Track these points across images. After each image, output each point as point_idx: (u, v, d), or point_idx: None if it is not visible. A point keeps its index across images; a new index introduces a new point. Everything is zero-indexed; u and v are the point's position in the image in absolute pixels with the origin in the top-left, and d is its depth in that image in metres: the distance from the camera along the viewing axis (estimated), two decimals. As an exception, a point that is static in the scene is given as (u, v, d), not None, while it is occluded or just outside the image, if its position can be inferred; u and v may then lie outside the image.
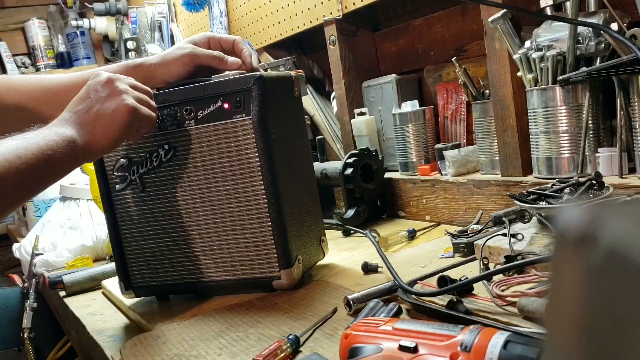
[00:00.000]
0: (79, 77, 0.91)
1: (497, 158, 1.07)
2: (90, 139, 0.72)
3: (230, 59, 0.91)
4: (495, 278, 0.71)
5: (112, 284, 1.02)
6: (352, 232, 1.20)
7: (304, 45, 1.73)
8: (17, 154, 0.63)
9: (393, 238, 1.05)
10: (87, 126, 0.72)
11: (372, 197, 1.28)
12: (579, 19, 0.87)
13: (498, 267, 0.73)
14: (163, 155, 0.87)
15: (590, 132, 0.91)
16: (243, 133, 0.83)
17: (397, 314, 0.69)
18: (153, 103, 0.81)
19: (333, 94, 1.50)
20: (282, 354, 0.63)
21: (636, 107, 0.84)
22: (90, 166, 1.35)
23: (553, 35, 0.93)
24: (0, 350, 1.45)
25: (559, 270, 0.20)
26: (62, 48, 2.77)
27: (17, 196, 0.66)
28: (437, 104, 1.31)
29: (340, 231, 1.22)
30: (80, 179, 1.54)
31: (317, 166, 1.26)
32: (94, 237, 1.37)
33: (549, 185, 0.87)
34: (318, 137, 1.42)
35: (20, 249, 1.42)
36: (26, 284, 1.34)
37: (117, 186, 0.91)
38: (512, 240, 0.79)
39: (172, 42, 2.31)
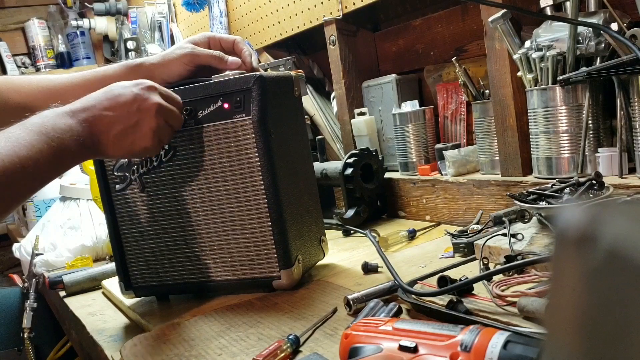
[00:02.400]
0: (80, 77, 0.91)
1: (497, 158, 1.07)
2: (100, 146, 0.73)
3: (231, 58, 0.91)
4: (495, 278, 0.71)
5: (112, 284, 1.02)
6: (352, 232, 1.20)
7: (304, 45, 1.73)
8: (32, 157, 0.63)
9: (393, 238, 1.05)
10: (103, 137, 0.72)
11: (372, 197, 1.28)
12: (579, 19, 0.87)
13: (498, 267, 0.73)
14: (163, 155, 0.88)
15: (590, 132, 0.92)
16: (243, 133, 0.83)
17: (397, 314, 0.69)
18: (171, 137, 0.81)
19: (333, 94, 1.50)
20: (282, 354, 0.63)
21: (636, 107, 0.84)
22: (90, 166, 1.35)
23: (553, 35, 0.93)
24: (0, 350, 1.45)
25: (559, 270, 0.20)
26: (62, 48, 2.77)
27: (23, 193, 0.67)
28: (437, 104, 1.31)
29: (340, 231, 1.22)
30: (80, 179, 1.54)
31: (317, 166, 1.26)
32: (94, 237, 1.37)
33: (549, 185, 0.87)
34: (318, 137, 1.42)
35: (20, 249, 1.42)
36: (26, 284, 1.34)
37: (117, 186, 0.91)
38: (512, 240, 0.79)
39: (172, 42, 2.31)
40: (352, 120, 1.42)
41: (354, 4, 1.31)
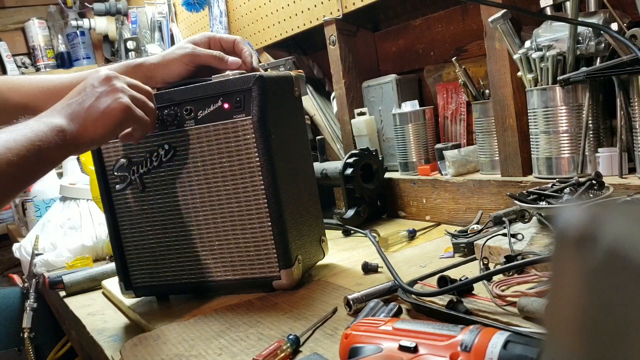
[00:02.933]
0: (80, 77, 0.91)
1: (497, 158, 1.07)
2: (79, 130, 0.72)
3: (231, 58, 0.91)
4: (495, 278, 0.71)
5: (112, 284, 1.02)
6: (352, 232, 1.20)
7: (304, 45, 1.73)
8: (6, 146, 0.64)
9: (393, 238, 1.05)
10: (78, 117, 0.72)
11: (372, 197, 1.28)
12: (579, 19, 0.87)
13: (498, 267, 0.73)
14: (163, 155, 0.87)
15: (590, 132, 0.91)
16: (243, 133, 0.83)
17: (397, 314, 0.69)
18: (151, 105, 0.79)
19: (333, 94, 1.50)
20: (282, 354, 0.63)
21: (636, 107, 0.84)
22: (90, 166, 1.35)
23: (553, 35, 0.93)
24: (0, 350, 1.45)
25: (559, 270, 0.20)
26: (62, 48, 2.77)
27: (9, 187, 0.67)
28: (437, 104, 1.31)
29: (340, 231, 1.22)
30: (80, 179, 1.54)
31: (317, 166, 1.26)
32: (94, 237, 1.37)
33: (549, 185, 0.87)
34: (318, 137, 1.42)
35: (20, 249, 1.42)
36: (26, 284, 1.34)
37: (117, 186, 0.91)
38: (512, 240, 0.79)
39: (172, 42, 2.31)
40: (352, 120, 1.42)
41: (354, 4, 1.31)
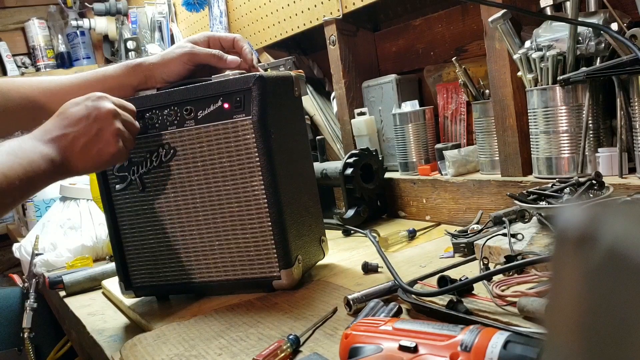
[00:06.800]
0: (80, 78, 0.91)
1: (497, 158, 1.07)
2: (69, 164, 0.74)
3: (230, 57, 0.91)
4: (495, 278, 0.71)
5: (112, 284, 1.02)
6: (352, 232, 1.20)
7: (304, 45, 1.73)
8: (2, 173, 0.65)
9: (393, 238, 1.05)
10: (72, 152, 0.74)
11: (372, 197, 1.28)
12: (579, 19, 0.87)
13: (498, 267, 0.73)
14: (163, 155, 0.88)
15: (590, 132, 0.91)
16: (243, 133, 0.83)
17: (397, 314, 0.69)
18: (133, 142, 0.81)
19: (333, 94, 1.50)
20: (282, 354, 0.63)
21: (636, 107, 0.84)
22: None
23: (553, 35, 0.93)
24: (0, 350, 1.45)
25: (559, 270, 0.20)
26: (62, 48, 2.77)
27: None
28: (437, 104, 1.31)
29: (340, 231, 1.22)
30: (81, 179, 1.54)
31: (317, 166, 1.26)
32: (94, 237, 1.37)
33: (549, 185, 0.87)
34: (318, 137, 1.42)
35: (20, 249, 1.42)
36: (26, 284, 1.34)
37: (117, 186, 0.91)
38: (512, 240, 0.79)
39: (172, 42, 2.31)
40: (352, 120, 1.42)
41: (354, 4, 1.31)
